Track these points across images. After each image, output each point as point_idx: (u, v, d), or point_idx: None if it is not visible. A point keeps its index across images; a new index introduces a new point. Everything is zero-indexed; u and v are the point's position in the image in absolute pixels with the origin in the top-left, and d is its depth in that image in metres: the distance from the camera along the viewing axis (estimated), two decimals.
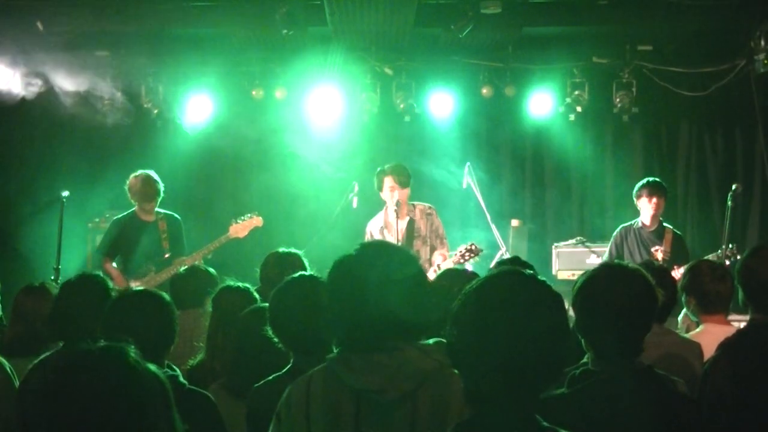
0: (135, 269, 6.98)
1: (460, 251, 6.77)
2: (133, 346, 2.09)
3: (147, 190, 7.00)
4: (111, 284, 3.90)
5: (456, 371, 2.30)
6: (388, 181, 6.98)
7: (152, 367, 2.37)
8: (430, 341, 2.46)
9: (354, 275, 2.43)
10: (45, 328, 3.87)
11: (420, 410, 2.33)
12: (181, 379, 3.18)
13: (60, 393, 1.94)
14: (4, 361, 3.80)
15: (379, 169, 7.13)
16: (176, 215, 7.27)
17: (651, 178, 7.31)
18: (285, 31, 7.70)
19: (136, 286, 5.68)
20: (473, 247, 6.76)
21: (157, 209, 7.12)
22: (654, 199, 7.09)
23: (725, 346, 3.35)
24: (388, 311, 2.35)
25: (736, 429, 3.18)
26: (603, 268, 2.79)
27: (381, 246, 2.62)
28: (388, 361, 2.34)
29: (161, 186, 7.07)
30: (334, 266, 2.50)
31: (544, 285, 2.02)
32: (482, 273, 2.31)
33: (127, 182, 7.08)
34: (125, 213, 7.22)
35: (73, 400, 1.92)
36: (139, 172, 7.09)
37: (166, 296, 3.32)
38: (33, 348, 3.92)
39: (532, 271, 2.08)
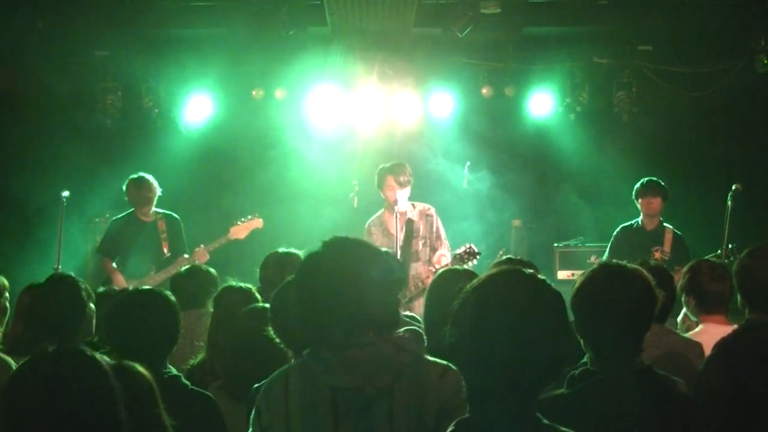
0: (134, 269, 6.98)
1: (459, 254, 6.77)
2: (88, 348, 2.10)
3: (141, 194, 7.02)
4: (83, 284, 3.90)
5: (431, 359, 2.36)
6: (389, 181, 6.96)
7: (138, 366, 2.38)
8: (401, 330, 2.47)
9: (326, 274, 2.42)
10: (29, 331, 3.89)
11: (397, 403, 2.34)
12: (184, 380, 3.18)
13: (13, 402, 1.97)
14: (9, 359, 3.81)
15: (381, 167, 7.11)
16: (175, 215, 7.27)
17: (649, 178, 7.31)
18: (285, 31, 7.70)
19: (136, 285, 5.69)
20: (471, 249, 6.75)
21: (155, 209, 7.12)
22: (650, 199, 7.08)
23: (720, 346, 3.35)
24: (362, 310, 2.36)
25: (731, 428, 3.18)
26: (602, 268, 2.79)
27: (350, 244, 2.56)
28: (363, 357, 2.34)
29: (157, 190, 7.07)
30: (303, 264, 2.50)
31: (544, 284, 2.02)
32: (482, 273, 2.31)
33: (125, 186, 7.08)
34: (124, 213, 7.23)
35: (25, 409, 1.95)
36: (137, 175, 7.09)
37: (171, 296, 3.32)
38: (35, 347, 3.91)
39: (532, 270, 2.08)
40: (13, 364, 3.78)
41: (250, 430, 2.53)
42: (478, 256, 6.80)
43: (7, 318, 4.19)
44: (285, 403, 2.41)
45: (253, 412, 2.51)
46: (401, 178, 6.94)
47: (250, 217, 7.31)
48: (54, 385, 1.96)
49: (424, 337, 2.40)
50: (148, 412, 2.31)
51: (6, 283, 4.10)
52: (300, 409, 2.39)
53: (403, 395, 2.35)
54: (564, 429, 1.99)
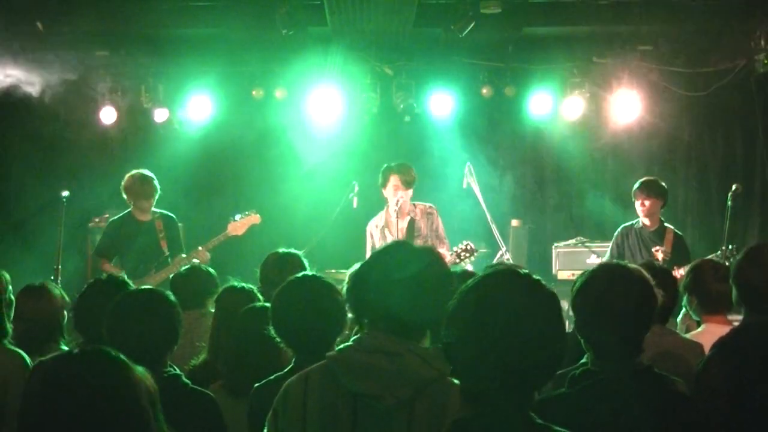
0: (133, 269, 6.95)
1: (456, 251, 6.79)
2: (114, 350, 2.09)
3: (144, 188, 6.98)
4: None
5: (454, 380, 2.26)
6: (394, 180, 6.97)
7: (138, 368, 2.37)
8: (429, 346, 2.43)
9: (361, 274, 2.43)
10: (46, 325, 3.87)
11: (416, 419, 2.29)
12: (184, 379, 3.18)
13: (42, 397, 1.95)
14: (23, 353, 3.82)
15: (386, 165, 7.10)
16: (172, 214, 7.25)
17: (646, 178, 7.28)
18: (285, 31, 7.70)
19: (136, 285, 5.68)
20: (469, 247, 6.76)
21: (153, 209, 7.10)
22: (644, 200, 7.06)
23: (719, 345, 3.36)
24: (388, 310, 2.34)
25: (730, 427, 3.18)
26: (602, 268, 2.79)
27: (390, 246, 2.57)
28: (388, 365, 2.30)
29: (157, 184, 7.06)
30: (373, 260, 2.52)
31: (540, 283, 2.02)
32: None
33: (123, 182, 7.05)
34: (121, 214, 7.19)
35: (55, 409, 1.94)
36: (134, 171, 7.07)
37: (171, 296, 3.31)
38: (33, 347, 3.93)
39: (527, 270, 2.08)
40: (27, 358, 3.79)
41: (265, 430, 2.50)
42: (476, 253, 6.82)
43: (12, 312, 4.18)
44: (303, 406, 2.38)
45: (269, 416, 2.47)
46: (407, 178, 6.96)
47: (247, 213, 7.30)
48: (84, 387, 1.94)
49: None
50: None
51: (8, 277, 4.10)
52: (318, 413, 2.36)
53: (424, 412, 2.30)
54: (559, 429, 1.99)
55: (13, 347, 3.87)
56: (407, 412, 2.30)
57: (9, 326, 3.91)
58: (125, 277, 4.03)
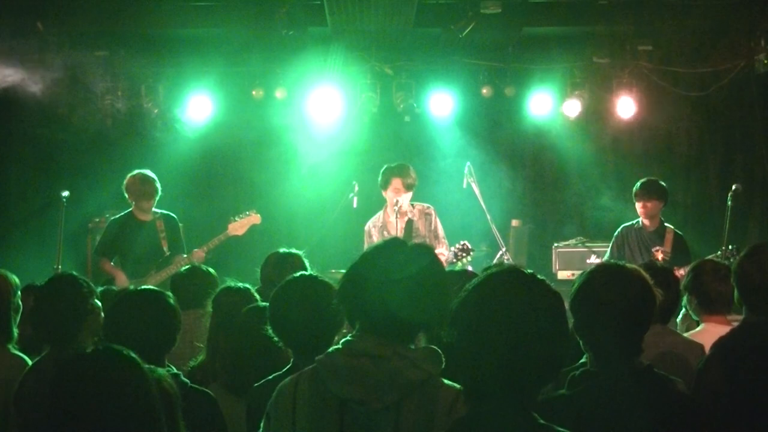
0: (134, 269, 6.96)
1: (453, 251, 6.81)
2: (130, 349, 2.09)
3: (146, 188, 6.99)
4: (88, 281, 3.89)
5: (447, 382, 2.29)
6: (395, 183, 6.96)
7: (161, 371, 2.37)
8: (420, 347, 2.41)
9: (358, 274, 2.40)
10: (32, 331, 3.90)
11: (403, 422, 2.27)
12: (183, 378, 3.18)
13: (59, 400, 1.95)
14: (25, 357, 3.82)
15: (386, 167, 7.09)
16: (172, 214, 7.25)
17: (647, 179, 7.26)
18: (285, 31, 7.70)
19: (137, 285, 5.68)
20: (465, 246, 6.79)
21: (154, 209, 7.10)
22: (645, 202, 7.05)
23: (718, 346, 3.36)
24: (385, 310, 2.31)
25: (731, 427, 3.18)
26: (600, 268, 2.77)
27: (388, 244, 2.53)
28: (374, 370, 2.28)
29: (159, 184, 7.06)
30: (363, 259, 2.46)
31: (543, 283, 2.02)
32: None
33: (124, 182, 7.05)
34: (122, 213, 7.19)
35: (72, 407, 1.93)
36: (136, 171, 7.08)
37: (171, 296, 3.31)
38: (35, 347, 3.93)
39: (531, 270, 2.07)
40: (29, 362, 3.79)
41: None
42: (472, 253, 6.84)
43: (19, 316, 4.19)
44: (292, 410, 2.38)
45: (264, 418, 2.48)
46: (408, 181, 6.96)
47: (247, 213, 7.30)
48: (97, 385, 1.95)
49: (442, 357, 2.28)
50: (168, 423, 2.30)
51: (17, 281, 4.11)
52: (306, 417, 2.35)
53: (412, 415, 2.27)
54: (561, 429, 1.99)
55: (16, 351, 3.88)
56: (394, 415, 2.28)
57: (15, 330, 3.92)
58: (75, 273, 4.01)
